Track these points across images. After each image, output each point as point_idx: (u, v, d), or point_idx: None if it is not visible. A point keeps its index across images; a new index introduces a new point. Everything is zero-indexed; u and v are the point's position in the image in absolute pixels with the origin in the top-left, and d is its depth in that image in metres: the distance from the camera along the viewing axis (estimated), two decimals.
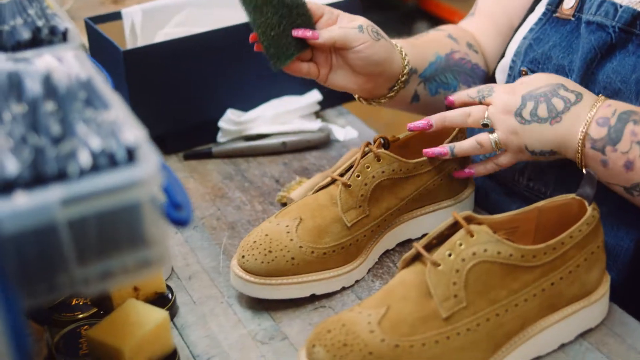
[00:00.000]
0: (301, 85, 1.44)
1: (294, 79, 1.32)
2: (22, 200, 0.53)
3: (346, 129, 1.41)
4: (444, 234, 0.89)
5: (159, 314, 0.92)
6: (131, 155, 0.57)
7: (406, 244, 1.12)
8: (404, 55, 1.13)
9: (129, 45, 1.41)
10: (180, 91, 1.35)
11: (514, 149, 1.03)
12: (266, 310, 1.02)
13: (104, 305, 0.99)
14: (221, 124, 1.37)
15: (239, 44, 1.35)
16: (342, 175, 1.05)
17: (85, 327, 0.96)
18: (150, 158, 0.57)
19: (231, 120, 1.37)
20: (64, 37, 0.78)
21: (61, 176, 0.55)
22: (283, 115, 1.39)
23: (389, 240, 1.10)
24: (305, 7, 1.09)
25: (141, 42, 1.39)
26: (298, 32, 1.08)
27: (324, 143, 1.38)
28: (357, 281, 1.05)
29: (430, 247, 0.90)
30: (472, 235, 0.87)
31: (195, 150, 1.37)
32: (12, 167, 0.55)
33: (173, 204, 0.64)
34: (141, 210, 0.57)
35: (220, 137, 1.38)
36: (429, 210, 1.12)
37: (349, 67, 1.11)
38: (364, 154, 1.05)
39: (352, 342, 0.84)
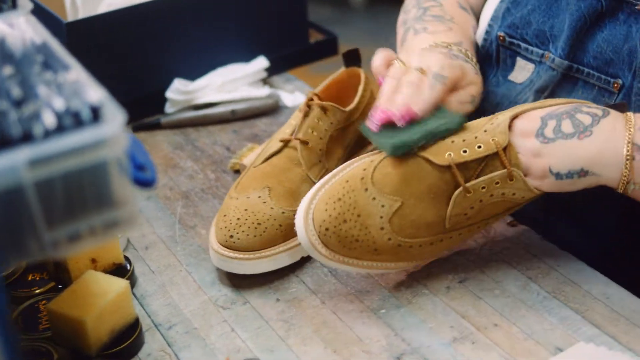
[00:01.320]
0: (248, 53, 1.43)
1: (240, 46, 1.32)
2: None
3: (294, 95, 1.41)
4: (482, 159, 0.90)
5: (120, 283, 0.91)
6: (96, 114, 0.57)
7: None
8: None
9: (70, 17, 1.39)
10: (126, 63, 1.34)
11: (537, 173, 0.90)
12: (226, 277, 1.01)
13: (62, 279, 0.98)
14: (169, 94, 1.36)
15: (183, 13, 1.35)
16: (293, 135, 1.05)
17: (44, 301, 0.95)
18: (115, 117, 0.56)
19: (178, 90, 1.36)
20: (13, 3, 0.76)
21: (26, 138, 0.54)
22: (231, 83, 1.38)
23: None
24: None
25: (82, 14, 1.36)
26: None
27: (272, 109, 1.38)
28: None
29: (465, 165, 0.90)
30: (510, 179, 0.89)
31: (143, 122, 1.35)
32: None
33: (136, 165, 0.64)
34: (108, 170, 0.57)
35: (168, 108, 1.37)
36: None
37: None
38: (309, 110, 1.06)
39: (363, 238, 0.90)
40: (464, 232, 0.93)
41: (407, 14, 1.20)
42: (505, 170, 0.89)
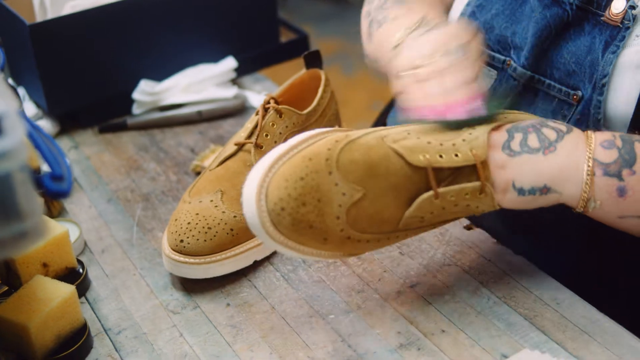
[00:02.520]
0: (217, 53, 1.42)
1: (208, 47, 1.31)
2: None
3: (262, 96, 1.40)
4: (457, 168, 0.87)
5: (66, 289, 0.91)
6: None
7: None
8: None
9: (39, 19, 1.38)
10: (92, 64, 1.33)
11: (500, 186, 0.87)
12: (179, 281, 1.01)
13: (13, 284, 0.98)
14: (135, 95, 1.36)
15: (149, 14, 1.34)
16: (248, 139, 1.05)
17: None
18: (16, 128, 0.56)
19: (145, 91, 1.36)
20: None
21: None
22: (198, 84, 1.38)
23: None
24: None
25: (51, 15, 1.36)
26: None
27: (239, 110, 1.37)
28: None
29: (440, 171, 0.87)
30: (481, 193, 0.86)
31: (109, 123, 1.35)
32: None
33: (53, 176, 0.63)
34: (11, 182, 0.56)
35: (135, 109, 1.37)
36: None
37: None
38: (265, 113, 1.05)
39: (318, 225, 0.83)
40: (410, 233, 0.89)
41: (370, 5, 1.17)
42: (479, 183, 0.86)
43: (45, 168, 0.68)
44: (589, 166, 0.85)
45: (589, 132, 0.88)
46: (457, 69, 0.92)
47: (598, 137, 0.87)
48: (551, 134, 0.87)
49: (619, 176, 0.85)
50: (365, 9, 1.19)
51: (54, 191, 0.61)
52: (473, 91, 0.91)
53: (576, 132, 0.88)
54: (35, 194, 0.59)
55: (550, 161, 0.86)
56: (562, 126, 0.88)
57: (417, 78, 0.93)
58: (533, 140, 0.87)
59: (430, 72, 0.92)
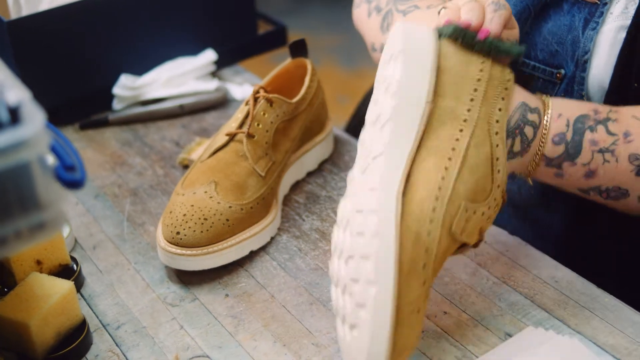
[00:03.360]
0: (195, 46, 1.41)
1: (187, 40, 1.30)
2: None
3: (243, 87, 1.39)
4: None
5: (64, 285, 0.90)
6: (15, 116, 0.55)
7: (296, 186, 1.14)
8: None
9: (14, 15, 1.36)
10: (71, 60, 1.31)
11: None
12: (175, 274, 1.00)
13: (7, 282, 0.97)
14: (116, 90, 1.34)
15: (127, 7, 1.33)
16: (239, 129, 1.05)
17: None
18: (35, 117, 0.55)
19: (126, 86, 1.34)
20: None
21: None
22: (178, 78, 1.37)
23: (284, 185, 1.11)
24: None
25: (26, 12, 1.34)
26: None
27: (221, 103, 1.36)
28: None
29: None
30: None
31: (91, 119, 1.34)
32: None
33: (65, 166, 0.62)
34: (30, 172, 0.55)
35: (116, 104, 1.35)
36: (307, 148, 1.15)
37: None
38: (255, 103, 1.05)
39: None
40: None
41: (371, 3, 1.16)
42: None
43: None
44: (534, 161, 0.89)
45: (548, 119, 0.89)
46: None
47: (552, 130, 0.88)
48: (530, 132, 0.88)
49: (559, 167, 0.89)
50: (364, 7, 1.17)
51: (69, 181, 0.60)
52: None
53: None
54: (54, 183, 0.58)
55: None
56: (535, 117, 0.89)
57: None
58: (517, 144, 0.88)
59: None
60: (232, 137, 1.04)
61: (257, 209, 1.01)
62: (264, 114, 1.05)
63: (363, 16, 1.18)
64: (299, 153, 1.13)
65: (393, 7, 1.11)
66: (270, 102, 1.05)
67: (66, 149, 0.65)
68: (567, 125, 0.88)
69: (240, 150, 1.03)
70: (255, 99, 1.05)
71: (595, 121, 0.88)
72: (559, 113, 0.89)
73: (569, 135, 0.88)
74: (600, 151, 0.88)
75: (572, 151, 0.88)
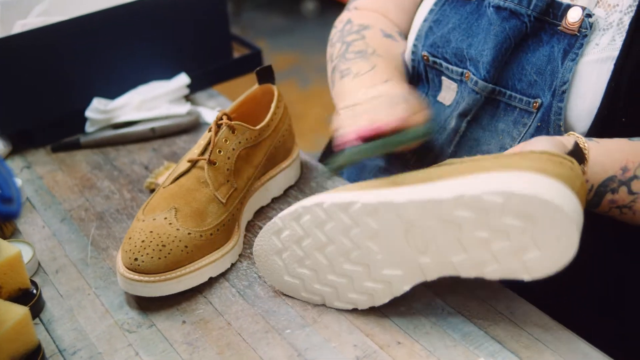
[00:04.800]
0: (170, 69, 1.42)
1: (160, 64, 1.31)
2: None
3: (215, 111, 1.40)
4: None
5: (19, 311, 0.90)
6: None
7: (261, 212, 1.15)
8: None
9: None
10: (44, 83, 1.32)
11: None
12: (134, 300, 1.00)
13: None
14: (88, 113, 1.35)
15: (100, 31, 1.33)
16: (201, 155, 1.05)
17: None
18: None
19: (98, 109, 1.35)
20: None
21: None
22: (151, 101, 1.37)
23: (248, 211, 1.12)
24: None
25: (1, 35, 1.35)
26: None
27: (193, 126, 1.37)
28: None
29: None
30: None
31: (62, 142, 1.34)
32: None
33: (2, 198, 0.63)
34: None
35: (89, 127, 1.36)
36: (272, 174, 1.15)
37: None
38: (218, 129, 1.05)
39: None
40: None
41: (333, 48, 1.19)
42: None
43: None
44: None
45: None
46: (391, 106, 0.96)
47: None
48: None
49: None
50: (329, 51, 1.21)
51: (4, 213, 0.61)
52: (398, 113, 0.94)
53: None
54: None
55: None
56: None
57: (354, 112, 0.97)
58: None
59: (367, 108, 0.96)
60: (193, 163, 1.05)
61: (217, 235, 1.02)
62: (225, 140, 1.05)
63: (328, 56, 1.21)
64: (264, 179, 1.13)
65: (338, 63, 1.14)
66: (232, 129, 1.06)
67: (8, 180, 0.66)
68: (590, 191, 0.91)
69: (202, 177, 1.03)
70: (218, 126, 1.06)
71: (619, 182, 0.91)
72: (586, 179, 0.90)
73: (589, 197, 0.91)
74: (618, 207, 0.91)
75: (589, 206, 0.91)
